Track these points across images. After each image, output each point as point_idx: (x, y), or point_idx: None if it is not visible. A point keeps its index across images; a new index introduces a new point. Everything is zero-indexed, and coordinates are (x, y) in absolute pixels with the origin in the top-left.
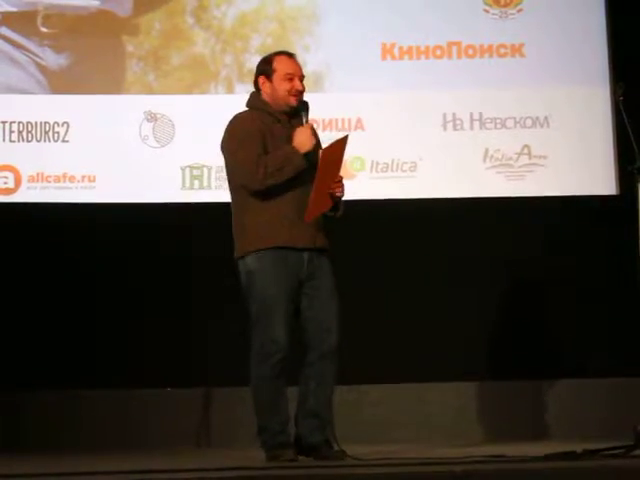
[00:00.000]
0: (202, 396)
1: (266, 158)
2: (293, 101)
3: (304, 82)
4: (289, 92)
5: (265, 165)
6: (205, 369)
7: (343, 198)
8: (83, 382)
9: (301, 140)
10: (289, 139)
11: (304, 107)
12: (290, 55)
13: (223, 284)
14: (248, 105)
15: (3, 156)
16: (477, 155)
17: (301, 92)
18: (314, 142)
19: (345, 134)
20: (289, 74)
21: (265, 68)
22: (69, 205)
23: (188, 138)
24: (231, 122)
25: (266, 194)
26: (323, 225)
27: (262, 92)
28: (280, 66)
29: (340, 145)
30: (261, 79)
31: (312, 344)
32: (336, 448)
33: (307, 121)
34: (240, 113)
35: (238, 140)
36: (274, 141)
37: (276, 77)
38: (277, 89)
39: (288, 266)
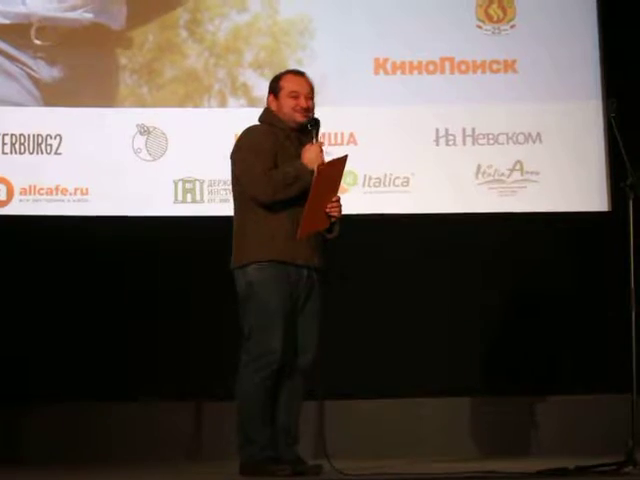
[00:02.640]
0: (193, 409)
1: (277, 172)
2: (299, 117)
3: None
4: (293, 109)
5: (276, 179)
6: (196, 383)
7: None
8: (73, 395)
9: (310, 158)
10: (298, 156)
11: (315, 125)
12: (298, 73)
13: (216, 297)
14: (260, 120)
15: None
16: (469, 171)
17: (306, 109)
18: (323, 161)
19: (345, 154)
20: (294, 92)
21: (273, 86)
22: (61, 218)
23: (181, 151)
24: (245, 133)
25: (273, 208)
26: (322, 245)
27: (272, 109)
28: (286, 84)
29: (339, 164)
30: (270, 97)
31: (287, 360)
32: (326, 462)
33: (317, 139)
34: (253, 125)
35: (252, 152)
36: (284, 157)
37: (282, 95)
38: (283, 106)
39: (289, 280)
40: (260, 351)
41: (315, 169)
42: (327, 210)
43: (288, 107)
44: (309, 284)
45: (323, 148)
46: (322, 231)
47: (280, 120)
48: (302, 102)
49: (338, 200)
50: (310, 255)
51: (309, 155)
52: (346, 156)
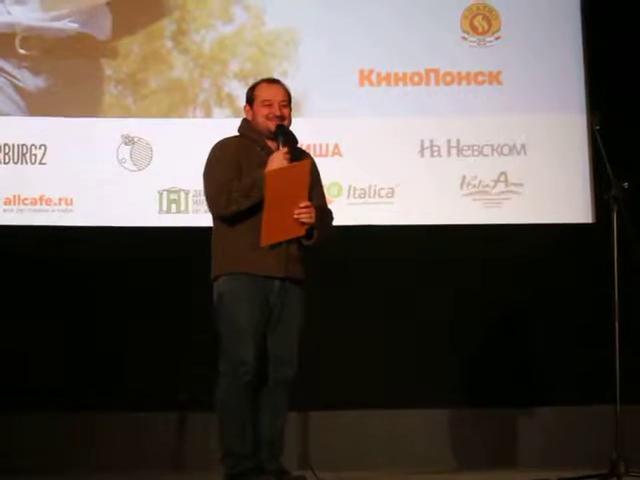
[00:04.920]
0: (177, 420)
1: (233, 185)
2: (272, 126)
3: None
4: (267, 117)
5: (229, 192)
6: (180, 393)
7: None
8: (58, 404)
9: (272, 165)
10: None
11: (280, 131)
12: (272, 81)
13: (200, 307)
14: (238, 130)
15: None
16: (454, 182)
17: (280, 117)
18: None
19: (306, 159)
20: (267, 100)
21: (248, 95)
22: (46, 228)
23: (166, 162)
24: (211, 149)
25: (235, 220)
26: (299, 254)
27: (248, 119)
28: (259, 93)
29: (298, 169)
30: (246, 107)
31: (268, 373)
32: (310, 473)
33: (283, 145)
34: (222, 139)
35: (211, 166)
36: (253, 167)
37: (256, 104)
38: (256, 115)
39: (259, 291)
40: (232, 363)
41: (266, 175)
42: (295, 216)
43: (261, 115)
44: (282, 295)
45: (287, 155)
46: (300, 238)
47: (253, 130)
48: (275, 110)
49: (307, 206)
50: (278, 266)
51: (271, 163)
52: (307, 161)
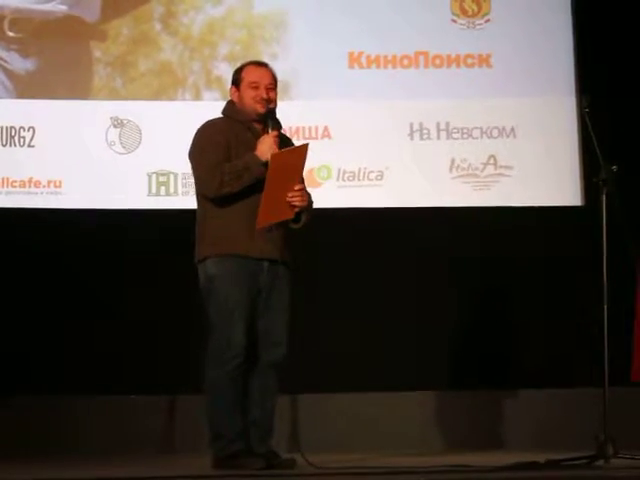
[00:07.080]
0: (166, 403)
1: (225, 166)
2: (260, 108)
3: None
4: (254, 99)
5: (222, 173)
6: (168, 376)
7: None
8: (46, 388)
9: (262, 148)
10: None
11: (269, 115)
12: (259, 64)
13: (188, 290)
14: (222, 112)
15: None
16: (443, 165)
17: (267, 100)
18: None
19: (305, 142)
20: (253, 82)
21: (235, 77)
22: (35, 210)
23: (155, 144)
24: (198, 129)
25: (225, 202)
26: (287, 237)
27: (234, 101)
28: (246, 75)
29: (297, 153)
30: (232, 89)
31: (259, 355)
32: (300, 456)
33: (272, 129)
34: (209, 120)
35: (200, 147)
36: (241, 149)
37: (243, 86)
38: (243, 97)
39: (249, 274)
40: (222, 345)
41: (269, 158)
42: (288, 199)
43: (248, 98)
44: (271, 277)
45: (277, 138)
46: (288, 221)
47: (239, 112)
48: (262, 93)
49: (301, 189)
50: (268, 248)
51: (261, 146)
52: (306, 144)
